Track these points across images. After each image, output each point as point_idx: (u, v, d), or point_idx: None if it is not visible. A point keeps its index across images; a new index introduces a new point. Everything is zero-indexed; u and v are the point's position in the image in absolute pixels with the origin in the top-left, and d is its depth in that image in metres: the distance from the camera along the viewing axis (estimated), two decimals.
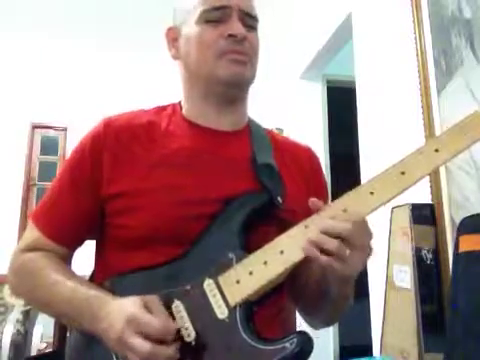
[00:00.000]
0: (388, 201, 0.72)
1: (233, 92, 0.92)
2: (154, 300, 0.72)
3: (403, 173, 0.72)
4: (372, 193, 0.72)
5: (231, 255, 0.77)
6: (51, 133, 4.60)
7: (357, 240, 0.69)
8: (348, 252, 0.69)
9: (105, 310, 0.74)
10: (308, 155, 1.01)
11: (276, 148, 0.95)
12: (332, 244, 0.68)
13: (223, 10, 0.88)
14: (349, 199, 0.73)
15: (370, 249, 0.72)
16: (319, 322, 0.97)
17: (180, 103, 0.97)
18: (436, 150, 0.72)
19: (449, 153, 0.73)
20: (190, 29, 0.91)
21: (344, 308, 0.87)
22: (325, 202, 0.95)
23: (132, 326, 0.69)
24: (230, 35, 0.87)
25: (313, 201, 0.73)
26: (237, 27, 0.88)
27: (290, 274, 0.78)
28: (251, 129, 0.97)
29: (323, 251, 0.69)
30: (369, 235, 0.72)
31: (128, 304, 0.72)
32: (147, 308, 0.71)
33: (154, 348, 0.68)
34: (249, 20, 0.91)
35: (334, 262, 0.69)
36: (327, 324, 0.98)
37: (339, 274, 0.72)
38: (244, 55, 0.89)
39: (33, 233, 0.89)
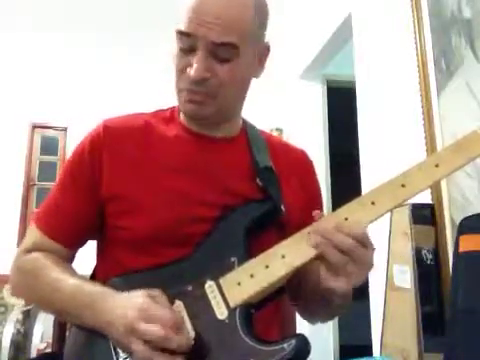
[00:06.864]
0: (387, 212, 0.75)
1: (201, 122, 0.90)
2: (160, 294, 0.73)
3: (403, 186, 0.75)
4: (373, 203, 0.75)
5: (233, 259, 0.78)
6: (51, 133, 4.61)
7: (360, 255, 0.70)
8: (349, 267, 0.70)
9: (111, 303, 0.74)
10: (303, 159, 1.02)
11: (272, 150, 0.95)
12: (347, 242, 0.69)
13: (191, 39, 0.80)
14: (351, 208, 0.75)
15: (371, 264, 0.72)
16: (316, 320, 0.98)
17: (178, 107, 0.96)
18: (436, 165, 0.75)
19: (447, 169, 0.76)
20: (174, 45, 0.85)
21: (343, 310, 0.87)
22: (319, 206, 0.99)
23: (144, 315, 0.69)
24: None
25: (316, 213, 0.74)
26: (196, 68, 0.79)
27: (292, 276, 0.78)
28: (247, 132, 0.97)
29: (336, 248, 0.70)
30: (371, 249, 0.72)
31: (136, 295, 0.72)
32: (154, 301, 0.72)
33: (168, 333, 0.67)
34: (222, 51, 0.80)
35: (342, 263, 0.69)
36: (324, 322, 0.99)
37: (338, 290, 0.71)
38: (200, 95, 0.83)
39: (35, 234, 0.90)
